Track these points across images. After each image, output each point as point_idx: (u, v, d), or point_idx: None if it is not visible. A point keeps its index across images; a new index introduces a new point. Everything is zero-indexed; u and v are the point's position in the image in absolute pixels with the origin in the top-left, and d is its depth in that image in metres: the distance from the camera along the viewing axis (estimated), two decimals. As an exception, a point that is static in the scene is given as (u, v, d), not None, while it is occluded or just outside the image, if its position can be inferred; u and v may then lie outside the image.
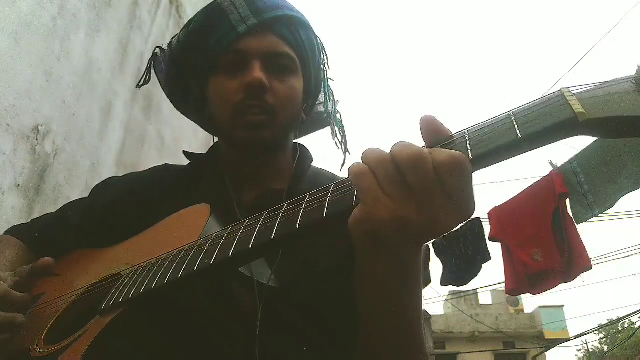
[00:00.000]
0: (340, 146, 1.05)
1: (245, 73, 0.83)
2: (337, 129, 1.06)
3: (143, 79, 1.06)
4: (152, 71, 1.04)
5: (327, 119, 1.04)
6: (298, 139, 0.99)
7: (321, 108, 1.03)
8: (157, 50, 1.01)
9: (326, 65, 1.01)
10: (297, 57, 0.89)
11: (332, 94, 1.04)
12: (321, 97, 1.03)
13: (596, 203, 3.93)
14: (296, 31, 0.89)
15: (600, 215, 4.04)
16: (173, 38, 0.98)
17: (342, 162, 1.05)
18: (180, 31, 0.95)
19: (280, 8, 0.88)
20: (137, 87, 1.11)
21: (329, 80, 1.03)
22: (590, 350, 24.61)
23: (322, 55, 0.99)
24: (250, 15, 0.86)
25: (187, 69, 0.93)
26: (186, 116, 1.03)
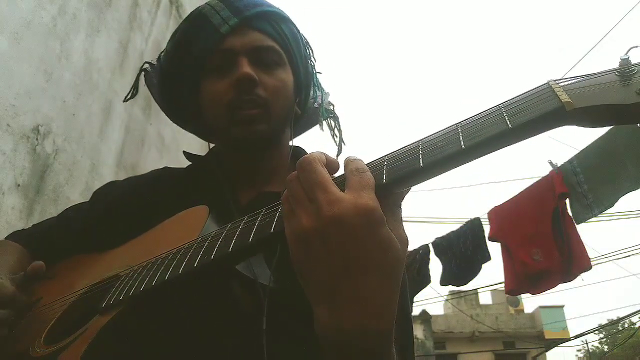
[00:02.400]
0: (334, 137, 1.06)
1: (234, 71, 0.85)
2: (330, 120, 1.07)
3: (130, 93, 1.07)
4: (139, 84, 1.05)
5: (319, 113, 1.05)
6: (294, 138, 0.99)
7: (314, 104, 1.04)
8: (147, 65, 1.02)
9: (312, 59, 1.02)
10: (283, 50, 0.91)
11: (321, 86, 1.05)
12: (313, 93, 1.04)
13: (596, 203, 3.93)
14: (277, 25, 0.91)
15: (599, 215, 4.04)
16: (161, 52, 0.99)
17: (337, 152, 1.05)
18: (167, 43, 0.97)
19: (259, 5, 0.91)
20: (123, 101, 1.13)
21: (318, 73, 1.04)
22: (590, 350, 24.59)
23: (307, 49, 1.01)
24: (230, 15, 0.88)
25: (178, 80, 0.94)
26: (184, 128, 1.04)
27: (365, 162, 0.54)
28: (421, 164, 0.48)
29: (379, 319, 0.46)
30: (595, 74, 0.44)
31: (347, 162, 0.53)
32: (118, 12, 2.70)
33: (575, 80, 0.44)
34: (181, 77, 0.93)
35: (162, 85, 0.99)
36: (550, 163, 4.35)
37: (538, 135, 0.43)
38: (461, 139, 0.46)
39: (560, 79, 0.45)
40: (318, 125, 1.08)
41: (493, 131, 0.44)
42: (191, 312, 0.70)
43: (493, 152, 0.45)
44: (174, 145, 3.37)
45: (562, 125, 0.43)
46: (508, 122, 0.44)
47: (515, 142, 0.44)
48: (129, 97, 1.07)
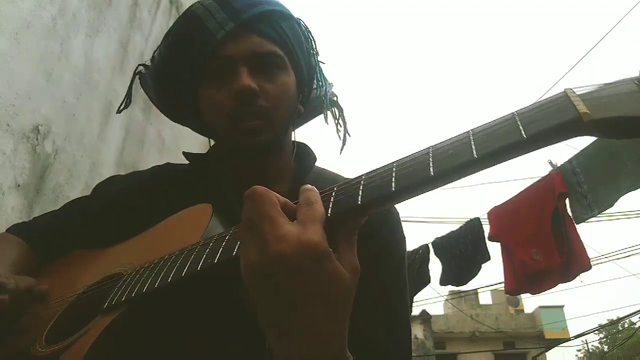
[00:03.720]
0: (338, 128, 1.03)
1: (233, 80, 0.81)
2: (334, 110, 1.03)
3: (123, 103, 1.03)
4: (136, 86, 1.02)
5: (322, 104, 1.01)
6: (296, 129, 0.97)
7: (315, 94, 1.00)
8: (141, 68, 0.98)
9: (315, 49, 0.97)
10: (284, 52, 0.86)
11: (325, 77, 1.01)
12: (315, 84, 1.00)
13: (595, 203, 3.94)
14: (277, 25, 0.86)
15: (599, 215, 4.05)
16: (155, 52, 0.95)
17: (342, 143, 1.02)
18: (160, 44, 0.93)
19: (256, 5, 0.85)
20: (117, 113, 1.08)
21: (321, 63, 1.00)
22: (590, 350, 24.60)
23: (309, 41, 0.96)
24: (226, 18, 0.83)
25: (175, 82, 0.91)
26: (183, 125, 1.02)
27: (374, 168, 0.53)
28: (431, 173, 0.46)
29: (327, 346, 0.47)
30: (613, 82, 0.42)
31: (301, 191, 0.53)
32: (118, 12, 2.70)
33: (591, 89, 0.42)
34: (177, 80, 0.90)
35: (158, 87, 0.96)
36: (550, 163, 4.36)
37: (552, 145, 0.42)
38: (473, 147, 0.45)
39: (576, 87, 0.43)
40: (323, 117, 1.04)
41: (507, 141, 0.43)
42: (194, 314, 0.69)
43: (505, 162, 0.44)
44: (174, 146, 3.37)
45: (578, 136, 0.41)
46: (523, 132, 0.42)
47: (529, 152, 0.43)
48: (122, 107, 1.03)
